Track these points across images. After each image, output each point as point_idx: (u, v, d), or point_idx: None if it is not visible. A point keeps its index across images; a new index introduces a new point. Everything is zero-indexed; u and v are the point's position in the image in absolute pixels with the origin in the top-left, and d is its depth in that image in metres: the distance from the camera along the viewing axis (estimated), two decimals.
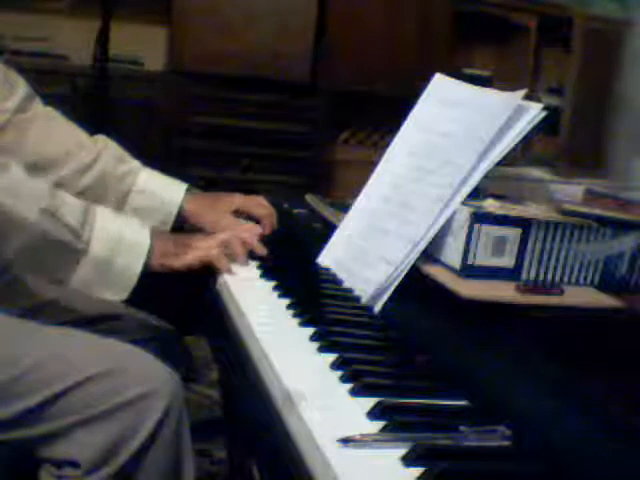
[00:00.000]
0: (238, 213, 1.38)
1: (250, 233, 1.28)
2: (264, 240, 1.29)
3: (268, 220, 1.38)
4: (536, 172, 1.44)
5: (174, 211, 1.37)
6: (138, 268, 1.13)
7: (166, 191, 1.38)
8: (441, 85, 1.22)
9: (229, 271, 1.19)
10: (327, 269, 1.22)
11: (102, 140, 1.39)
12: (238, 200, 1.40)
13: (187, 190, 1.39)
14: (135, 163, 1.40)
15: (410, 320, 1.01)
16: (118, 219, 1.17)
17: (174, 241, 1.20)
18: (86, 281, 1.12)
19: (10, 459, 1.04)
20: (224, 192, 1.45)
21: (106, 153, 1.37)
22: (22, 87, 1.35)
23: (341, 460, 0.67)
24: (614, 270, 1.02)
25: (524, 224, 1.00)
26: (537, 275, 1.01)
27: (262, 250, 1.25)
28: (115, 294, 1.14)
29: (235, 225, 1.33)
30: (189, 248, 1.18)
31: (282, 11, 3.03)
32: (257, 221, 1.38)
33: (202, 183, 1.53)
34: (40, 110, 1.38)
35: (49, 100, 1.42)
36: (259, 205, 1.41)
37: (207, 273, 1.21)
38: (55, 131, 1.37)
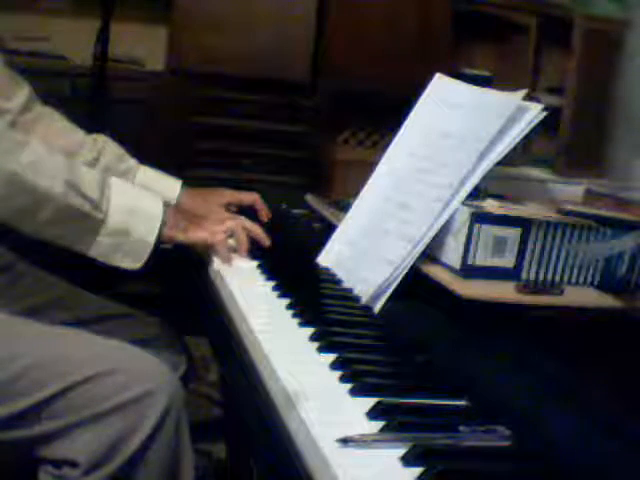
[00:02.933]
0: (229, 206, 1.44)
1: (254, 223, 1.32)
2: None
3: (260, 203, 1.44)
4: (536, 172, 1.44)
5: (171, 205, 1.40)
6: (153, 237, 1.18)
7: (163, 187, 1.43)
8: (441, 85, 1.22)
9: (228, 260, 1.22)
10: (327, 269, 1.22)
11: (102, 139, 1.43)
12: (229, 193, 1.47)
13: (181, 185, 1.45)
14: (133, 161, 1.44)
15: (410, 320, 1.01)
16: (132, 190, 1.21)
17: (184, 216, 1.25)
18: (104, 251, 1.16)
19: (10, 459, 1.04)
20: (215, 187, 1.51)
21: (107, 151, 1.41)
22: (26, 87, 1.38)
23: (341, 460, 0.67)
24: (614, 270, 1.02)
25: (524, 224, 1.00)
26: (537, 275, 1.01)
27: (266, 240, 1.28)
28: (131, 263, 1.18)
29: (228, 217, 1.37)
30: (197, 226, 1.23)
31: (282, 11, 3.02)
32: (250, 215, 1.41)
33: (202, 183, 1.55)
34: (42, 110, 1.41)
35: (49, 100, 1.43)
36: (249, 194, 1.47)
37: (201, 258, 1.25)
38: (58, 130, 1.40)
